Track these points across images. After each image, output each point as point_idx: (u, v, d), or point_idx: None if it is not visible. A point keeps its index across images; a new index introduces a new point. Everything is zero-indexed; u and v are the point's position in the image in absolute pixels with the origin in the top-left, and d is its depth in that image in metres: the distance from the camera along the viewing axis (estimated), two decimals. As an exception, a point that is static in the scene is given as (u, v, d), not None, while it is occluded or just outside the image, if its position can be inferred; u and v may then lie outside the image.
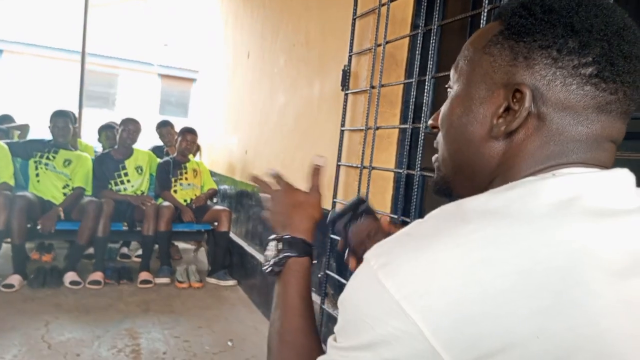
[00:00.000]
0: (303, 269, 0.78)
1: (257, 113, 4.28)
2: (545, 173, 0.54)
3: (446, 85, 0.65)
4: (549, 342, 0.41)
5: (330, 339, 0.53)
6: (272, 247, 0.81)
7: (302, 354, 0.68)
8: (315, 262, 0.82)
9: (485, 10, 1.60)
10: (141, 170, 4.44)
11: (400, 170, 2.16)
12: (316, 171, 0.92)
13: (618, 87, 0.52)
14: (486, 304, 0.42)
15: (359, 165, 2.31)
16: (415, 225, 0.51)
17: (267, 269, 0.79)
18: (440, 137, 0.65)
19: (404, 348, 0.44)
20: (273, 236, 0.83)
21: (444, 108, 0.65)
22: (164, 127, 5.19)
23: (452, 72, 0.64)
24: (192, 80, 13.60)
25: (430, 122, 0.69)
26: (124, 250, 4.86)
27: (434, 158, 0.68)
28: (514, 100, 0.55)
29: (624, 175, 0.54)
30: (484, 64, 0.59)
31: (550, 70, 0.53)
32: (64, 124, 4.08)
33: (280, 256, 0.78)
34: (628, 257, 0.46)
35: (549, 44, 0.53)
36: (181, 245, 5.27)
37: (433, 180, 0.68)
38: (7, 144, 4.01)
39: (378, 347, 0.46)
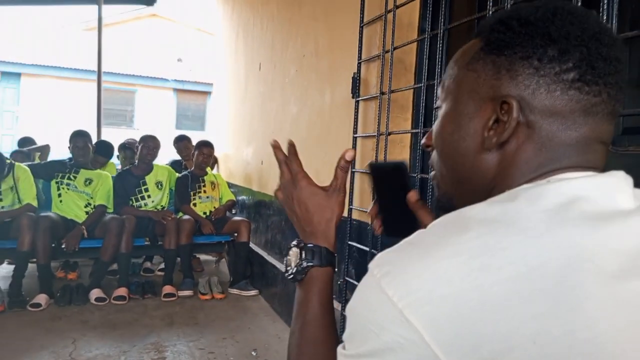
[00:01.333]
0: (326, 278, 0.76)
1: (270, 123, 4.32)
2: (540, 180, 0.55)
3: (435, 106, 0.67)
4: (547, 346, 0.42)
5: (339, 347, 0.55)
6: (294, 254, 0.78)
7: None
8: (339, 281, 0.80)
9: (490, 12, 1.60)
10: (161, 185, 4.51)
11: (415, 175, 2.17)
12: (344, 167, 0.81)
13: (601, 89, 0.54)
14: (484, 310, 0.44)
15: (373, 171, 2.32)
16: (418, 234, 0.52)
17: (289, 275, 0.77)
18: (435, 155, 0.67)
19: (407, 355, 0.46)
20: (295, 242, 0.80)
21: (435, 127, 0.66)
22: (180, 142, 5.27)
23: (439, 91, 0.66)
24: (207, 93, 13.77)
25: (423, 141, 0.71)
26: (147, 264, 4.93)
27: (431, 175, 0.70)
28: (502, 112, 0.57)
29: (620, 177, 0.55)
30: (469, 80, 0.61)
31: (534, 79, 0.55)
32: (84, 143, 4.18)
33: (303, 265, 0.76)
34: (625, 259, 0.46)
35: (529, 54, 0.55)
36: (202, 257, 5.32)
37: (435, 197, 0.69)
38: (29, 166, 4.12)
39: (383, 354, 0.47)
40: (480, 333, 0.43)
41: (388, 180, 0.82)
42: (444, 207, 0.66)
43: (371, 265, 0.51)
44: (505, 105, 0.56)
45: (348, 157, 0.80)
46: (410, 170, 0.82)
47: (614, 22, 1.22)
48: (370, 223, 0.87)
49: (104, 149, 4.92)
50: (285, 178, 0.82)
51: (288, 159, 0.82)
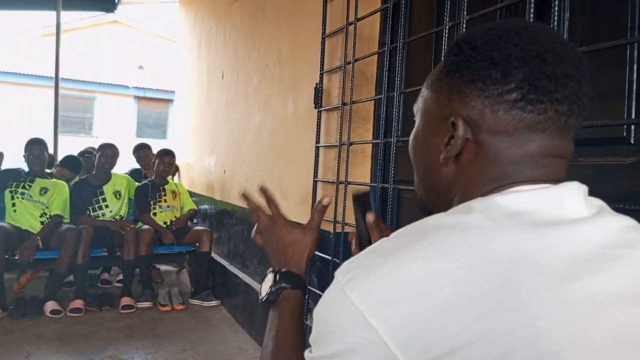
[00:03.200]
0: (296, 299, 0.84)
1: (233, 132, 4.30)
2: (493, 193, 0.58)
3: (413, 118, 0.71)
4: (490, 344, 0.45)
5: (306, 351, 0.58)
6: (269, 279, 0.86)
7: None
8: (307, 297, 0.87)
9: (447, 27, 1.65)
10: (119, 195, 4.42)
11: (375, 184, 2.20)
12: (321, 210, 0.93)
13: (547, 107, 0.57)
14: (436, 312, 0.46)
15: (335, 181, 2.34)
16: (381, 242, 0.56)
17: (263, 298, 0.85)
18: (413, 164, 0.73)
19: (369, 355, 0.48)
20: (271, 269, 0.88)
21: (410, 139, 0.72)
22: (141, 150, 5.18)
23: (414, 108, 0.72)
24: (169, 101, 13.59)
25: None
26: (105, 276, 4.81)
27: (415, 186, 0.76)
28: (455, 130, 0.61)
29: (572, 188, 0.58)
30: (432, 100, 0.66)
31: (479, 100, 0.59)
32: (39, 152, 4.06)
33: (278, 286, 0.84)
34: (568, 263, 0.50)
35: (475, 77, 0.59)
36: (163, 267, 5.23)
37: (417, 203, 0.75)
38: (-19, 174, 3.97)
39: (347, 355, 0.50)
40: (433, 333, 0.46)
41: (360, 207, 0.92)
42: (423, 210, 0.71)
43: (337, 273, 0.54)
44: (455, 125, 0.61)
45: (325, 202, 0.92)
46: (375, 194, 0.94)
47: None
48: (350, 245, 0.98)
49: (71, 163, 4.79)
50: (263, 222, 0.92)
51: (259, 207, 0.92)
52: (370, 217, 0.87)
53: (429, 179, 0.68)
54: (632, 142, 1.35)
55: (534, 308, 0.46)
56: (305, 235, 0.90)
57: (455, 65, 0.61)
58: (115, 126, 13.68)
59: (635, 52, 1.33)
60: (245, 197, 0.93)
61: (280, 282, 0.84)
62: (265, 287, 0.85)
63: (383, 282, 0.49)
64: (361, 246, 0.93)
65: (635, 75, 1.33)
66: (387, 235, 0.58)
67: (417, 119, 0.70)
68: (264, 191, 0.93)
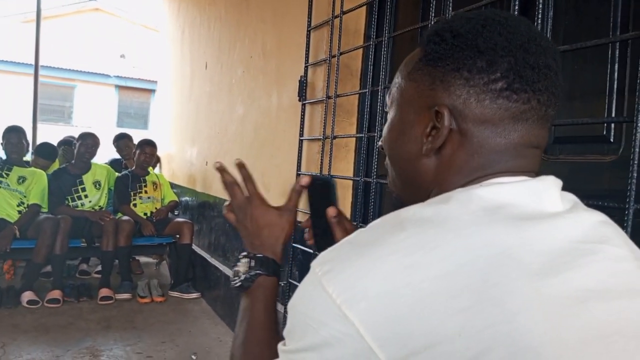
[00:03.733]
0: (271, 286, 0.80)
1: (216, 124, 4.27)
2: (473, 184, 0.58)
3: (385, 109, 0.69)
4: (470, 339, 0.44)
5: (279, 344, 0.56)
6: (243, 264, 0.81)
7: None
8: (282, 283, 0.83)
9: (432, 22, 1.66)
10: (99, 185, 4.37)
11: (358, 178, 2.20)
12: (299, 190, 0.85)
13: (530, 96, 0.57)
14: (415, 306, 0.46)
15: (319, 175, 2.34)
16: (357, 234, 0.54)
17: (236, 284, 0.80)
18: (387, 158, 0.71)
19: (345, 349, 0.47)
20: (244, 253, 0.83)
21: (383, 132, 0.70)
22: (121, 140, 5.11)
23: (387, 99, 0.69)
24: (151, 91, 13.42)
25: (379, 143, 0.74)
26: (83, 266, 4.75)
27: (388, 178, 0.73)
28: (437, 120, 0.60)
29: (549, 182, 0.58)
30: (410, 89, 0.64)
31: (464, 90, 0.58)
32: (17, 140, 3.99)
33: (252, 273, 0.79)
34: (546, 258, 0.50)
35: (460, 66, 0.58)
36: (143, 259, 5.19)
37: (393, 198, 0.72)
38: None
39: (322, 348, 0.49)
40: (411, 327, 0.45)
41: (317, 195, 0.86)
42: (400, 206, 0.68)
43: (313, 264, 0.53)
44: (439, 114, 0.59)
45: (303, 182, 0.85)
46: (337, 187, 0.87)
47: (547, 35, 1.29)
48: (303, 232, 0.92)
49: (46, 151, 4.70)
50: (237, 200, 0.84)
51: (236, 182, 0.85)
52: (331, 211, 0.83)
53: (407, 172, 0.66)
54: (611, 140, 1.37)
55: (514, 304, 0.46)
56: (281, 217, 0.83)
57: (437, 54, 0.60)
58: (96, 115, 13.47)
59: (617, 51, 1.35)
60: (221, 170, 0.84)
61: (255, 268, 0.79)
62: (238, 272, 0.80)
63: (361, 275, 0.48)
64: (316, 238, 0.89)
65: (616, 74, 1.35)
66: (351, 231, 0.57)
67: (392, 111, 0.67)
68: (241, 167, 0.86)
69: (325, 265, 0.51)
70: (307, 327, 0.50)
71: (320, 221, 0.86)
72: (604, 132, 1.39)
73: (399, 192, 0.70)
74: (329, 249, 0.54)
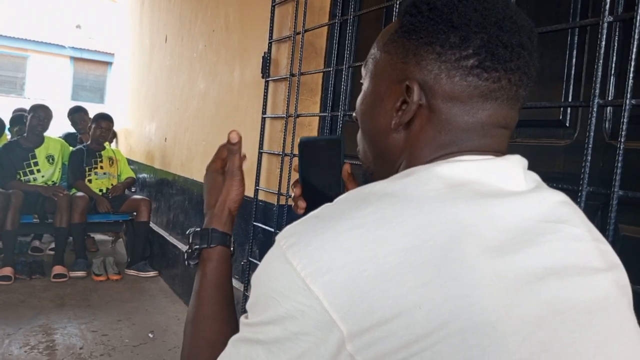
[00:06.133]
0: (217, 258, 0.76)
1: (176, 99, 4.17)
2: (440, 160, 0.58)
3: (360, 81, 0.69)
4: (430, 312, 0.45)
5: (242, 317, 0.56)
6: (190, 240, 0.79)
7: (215, 339, 0.68)
8: (232, 248, 0.80)
9: (398, 2, 1.65)
10: (53, 159, 4.22)
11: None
12: (232, 149, 0.80)
13: (501, 75, 0.56)
14: (378, 279, 0.46)
15: (281, 153, 2.32)
16: (324, 208, 0.54)
17: (186, 262, 0.79)
18: (359, 132, 0.70)
19: (308, 321, 0.47)
20: (189, 230, 0.80)
21: (357, 103, 0.69)
22: (76, 114, 4.95)
23: (362, 70, 0.68)
24: (108, 63, 12.98)
25: (353, 114, 0.72)
26: (36, 243, 4.61)
27: (358, 151, 0.71)
28: (408, 95, 0.59)
29: (514, 161, 0.59)
30: (384, 61, 0.63)
31: (436, 65, 0.57)
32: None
33: (192, 248, 0.77)
34: (506, 236, 0.51)
35: (433, 40, 0.57)
36: (98, 237, 5.07)
37: (362, 172, 0.71)
38: None
39: (285, 321, 0.49)
40: (373, 300, 0.46)
41: (319, 156, 0.79)
42: (370, 181, 0.67)
43: (278, 237, 0.53)
44: (409, 89, 0.59)
45: (232, 139, 0.80)
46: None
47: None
48: (293, 203, 0.84)
49: None
50: (211, 163, 0.83)
51: (230, 148, 0.81)
52: (347, 166, 0.77)
53: (378, 146, 0.65)
54: (567, 125, 1.41)
55: (472, 279, 0.47)
56: (226, 180, 0.80)
57: (412, 26, 0.59)
58: (49, 87, 12.94)
59: (576, 38, 1.38)
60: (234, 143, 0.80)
61: (194, 242, 0.77)
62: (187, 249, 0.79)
63: (325, 248, 0.48)
64: (310, 209, 0.81)
65: (574, 60, 1.39)
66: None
67: (366, 82, 0.66)
68: (232, 143, 0.80)
69: (291, 239, 0.51)
70: (271, 299, 0.50)
71: (319, 187, 0.79)
72: (560, 117, 1.43)
73: (369, 165, 0.68)
74: (295, 223, 0.53)
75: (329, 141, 0.80)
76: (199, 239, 0.77)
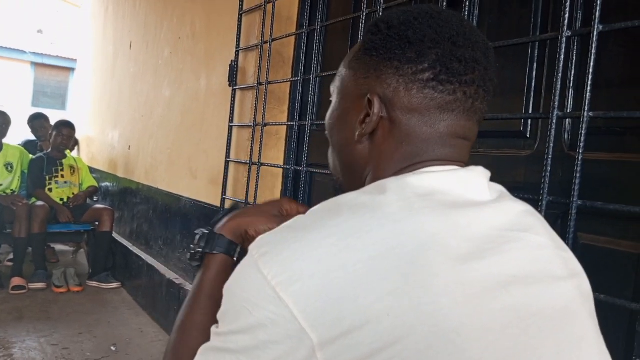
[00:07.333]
0: (217, 268, 0.73)
1: (140, 106, 4.11)
2: (406, 171, 0.60)
3: (330, 98, 0.71)
4: (397, 319, 0.46)
5: (213, 327, 0.56)
6: (196, 241, 0.76)
7: (197, 349, 0.66)
8: (236, 259, 0.74)
9: (364, 13, 1.67)
10: (11, 167, 4.09)
11: (288, 167, 2.20)
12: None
13: (456, 88, 0.59)
14: (347, 287, 0.47)
15: (248, 162, 2.31)
16: (297, 219, 0.55)
17: (188, 262, 0.77)
18: (330, 147, 0.73)
19: (278, 330, 0.48)
20: (197, 230, 0.78)
21: (326, 118, 0.72)
22: (36, 120, 4.80)
23: (331, 87, 0.71)
24: (70, 69, 12.68)
25: (326, 132, 0.73)
26: (-8, 254, 4.46)
27: (329, 165, 0.74)
28: (370, 107, 0.62)
29: (477, 172, 0.61)
30: (349, 78, 0.67)
31: (395, 79, 0.60)
32: None
33: (196, 250, 0.75)
34: (470, 244, 0.52)
35: (391, 56, 0.60)
36: (58, 247, 4.92)
37: (333, 184, 0.73)
38: None
39: (255, 330, 0.49)
40: (342, 307, 0.47)
41: None
42: (340, 192, 0.68)
43: (251, 247, 0.53)
44: (370, 102, 0.62)
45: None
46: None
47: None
48: None
49: None
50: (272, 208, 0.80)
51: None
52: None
53: (345, 157, 0.68)
54: (528, 136, 1.45)
55: (438, 286, 0.48)
56: (271, 214, 0.78)
57: (373, 44, 0.62)
58: (9, 93, 12.56)
59: (536, 51, 1.42)
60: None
61: (198, 244, 0.75)
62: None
63: (296, 257, 0.49)
64: None
65: (534, 73, 1.43)
66: None
67: (334, 98, 0.70)
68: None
69: (263, 248, 0.52)
70: (242, 309, 0.50)
71: None
72: (521, 128, 1.46)
73: (339, 177, 0.71)
74: (268, 233, 0.54)
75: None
76: (203, 242, 0.76)
